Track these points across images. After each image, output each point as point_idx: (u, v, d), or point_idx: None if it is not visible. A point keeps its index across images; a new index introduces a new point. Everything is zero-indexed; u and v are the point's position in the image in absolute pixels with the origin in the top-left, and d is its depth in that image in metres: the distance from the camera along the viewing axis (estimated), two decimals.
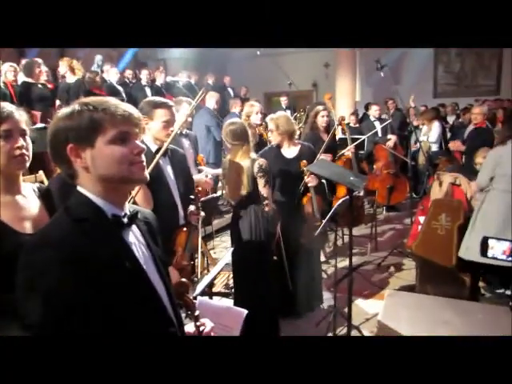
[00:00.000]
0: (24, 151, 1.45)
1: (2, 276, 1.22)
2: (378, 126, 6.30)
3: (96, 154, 1.04)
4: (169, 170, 2.48)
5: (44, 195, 1.57)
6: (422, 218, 4.01)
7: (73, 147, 1.05)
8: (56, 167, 2.27)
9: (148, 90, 7.18)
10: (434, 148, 7.10)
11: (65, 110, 1.08)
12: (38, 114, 4.99)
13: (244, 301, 2.84)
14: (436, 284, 3.51)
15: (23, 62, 5.82)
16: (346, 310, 2.95)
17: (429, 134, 7.05)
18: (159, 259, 1.19)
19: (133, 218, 1.13)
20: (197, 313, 1.18)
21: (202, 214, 2.57)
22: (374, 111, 6.88)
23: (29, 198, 1.51)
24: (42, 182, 4.15)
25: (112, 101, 1.09)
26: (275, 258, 3.06)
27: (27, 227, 1.44)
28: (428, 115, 7.23)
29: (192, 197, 2.57)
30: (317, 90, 11.34)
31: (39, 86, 5.25)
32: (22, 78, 5.39)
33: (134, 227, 1.14)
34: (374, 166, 6.15)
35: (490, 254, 1.60)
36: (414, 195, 6.43)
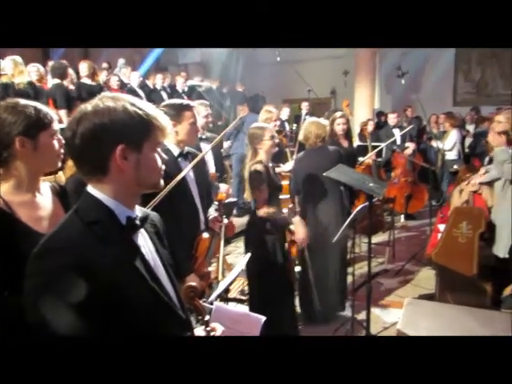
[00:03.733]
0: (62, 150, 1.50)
1: (17, 276, 1.24)
2: (397, 134, 6.26)
3: (142, 159, 1.04)
4: (190, 175, 2.47)
5: (60, 194, 1.57)
6: (441, 226, 3.95)
7: (124, 148, 1.01)
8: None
9: (164, 95, 7.26)
10: (452, 156, 7.02)
11: (112, 106, 1.01)
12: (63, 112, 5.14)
13: (259, 308, 2.84)
14: (456, 293, 3.45)
15: (50, 63, 5.98)
16: (364, 318, 2.92)
17: (444, 142, 7.00)
18: (167, 262, 1.18)
19: (144, 220, 1.11)
20: (207, 318, 1.15)
21: (225, 221, 2.55)
22: (392, 119, 6.86)
23: (46, 197, 1.51)
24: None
25: (155, 109, 1.08)
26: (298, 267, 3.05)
27: (44, 226, 1.43)
28: (453, 121, 7.17)
29: (216, 203, 2.56)
30: (335, 97, 11.31)
31: (67, 87, 5.39)
32: (49, 79, 5.52)
33: (142, 230, 1.12)
34: (392, 174, 6.11)
35: None
36: (434, 203, 6.36)
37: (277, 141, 2.91)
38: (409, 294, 4.07)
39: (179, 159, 2.41)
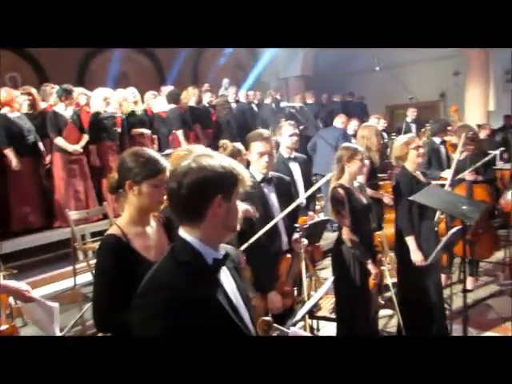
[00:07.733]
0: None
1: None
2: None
3: (231, 206, 1.21)
4: (273, 198, 2.63)
5: (165, 224, 1.82)
6: None
7: (221, 198, 1.18)
8: None
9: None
10: None
11: (212, 163, 1.18)
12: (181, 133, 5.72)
13: (344, 328, 2.85)
14: None
15: (163, 88, 6.60)
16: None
17: None
18: (244, 293, 1.33)
19: (226, 259, 1.27)
20: None
21: (305, 242, 2.62)
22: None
23: (154, 228, 1.76)
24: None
25: (241, 166, 1.26)
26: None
27: (152, 254, 1.68)
28: None
29: (296, 225, 2.66)
30: (445, 100, 10.55)
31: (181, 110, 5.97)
32: (159, 104, 6.09)
33: (223, 267, 1.28)
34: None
35: None
36: None
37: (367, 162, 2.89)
38: None
39: (262, 184, 2.59)
